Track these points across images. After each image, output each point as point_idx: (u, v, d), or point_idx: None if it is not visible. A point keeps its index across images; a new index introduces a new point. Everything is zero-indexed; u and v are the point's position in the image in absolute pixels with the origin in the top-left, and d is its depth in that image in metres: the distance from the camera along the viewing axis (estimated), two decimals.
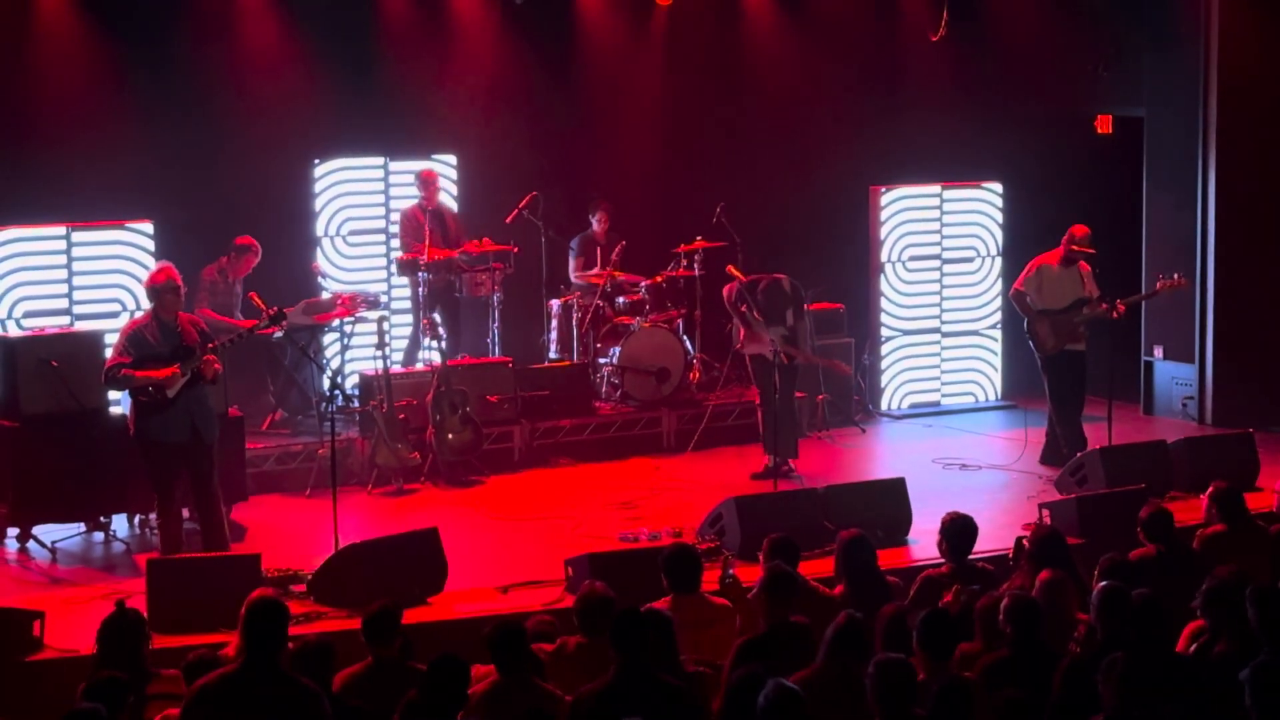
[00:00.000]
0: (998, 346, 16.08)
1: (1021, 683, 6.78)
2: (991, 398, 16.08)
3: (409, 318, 14.19)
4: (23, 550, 11.20)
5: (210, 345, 10.31)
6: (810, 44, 15.76)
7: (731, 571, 9.03)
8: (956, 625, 7.23)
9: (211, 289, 13.17)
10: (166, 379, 10.13)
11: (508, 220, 14.29)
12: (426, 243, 13.54)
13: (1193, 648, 7.44)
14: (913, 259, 15.81)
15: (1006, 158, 15.97)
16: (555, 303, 14.55)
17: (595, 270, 14.48)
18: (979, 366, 16.11)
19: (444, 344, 13.12)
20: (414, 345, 13.99)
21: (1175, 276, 13.23)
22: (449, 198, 14.58)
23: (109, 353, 10.71)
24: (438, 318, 13.49)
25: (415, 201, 14.05)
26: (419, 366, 13.70)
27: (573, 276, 14.75)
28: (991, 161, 16.00)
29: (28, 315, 12.70)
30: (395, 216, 14.28)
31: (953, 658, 7.09)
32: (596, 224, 14.72)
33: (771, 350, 12.54)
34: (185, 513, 10.70)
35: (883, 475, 12.13)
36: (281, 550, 10.56)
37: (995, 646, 7.34)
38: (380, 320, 12.89)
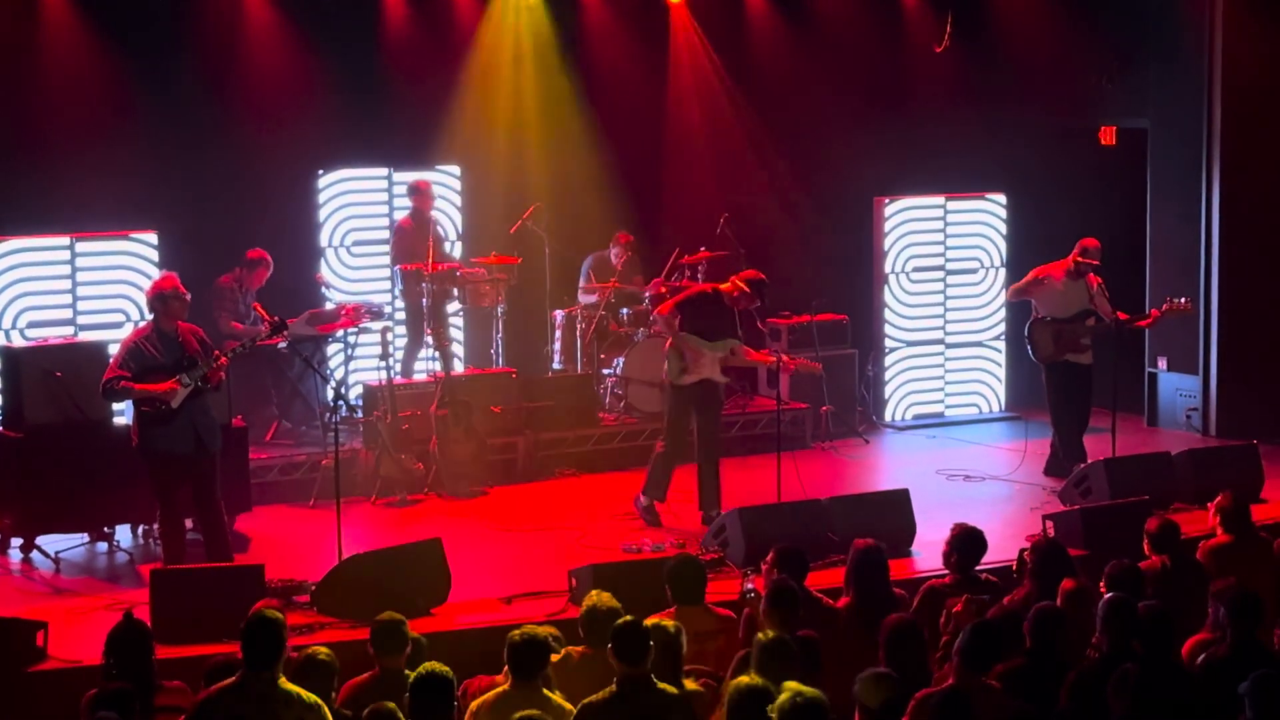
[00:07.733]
0: (1002, 358, 16.08)
1: (1035, 692, 6.76)
2: (995, 409, 16.08)
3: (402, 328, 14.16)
4: (26, 560, 11.20)
5: (216, 354, 10.29)
6: (814, 55, 15.75)
7: (751, 585, 8.98)
8: (1001, 641, 7.11)
9: (230, 298, 13.17)
10: (165, 393, 10.12)
11: (511, 231, 14.29)
12: (430, 256, 13.51)
13: (1199, 659, 7.43)
14: (916, 270, 15.81)
15: (1010, 169, 15.98)
16: (559, 314, 14.54)
17: (600, 290, 14.38)
18: (983, 378, 16.12)
19: (450, 354, 13.13)
20: (410, 355, 13.98)
21: (1182, 300, 13.14)
22: (439, 211, 14.43)
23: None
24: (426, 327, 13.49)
25: (405, 214, 14.04)
26: (419, 377, 13.70)
27: (580, 296, 14.66)
28: (995, 173, 16.00)
29: (32, 326, 12.73)
30: None
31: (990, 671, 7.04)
32: (615, 256, 14.53)
33: (717, 371, 11.76)
34: (189, 523, 10.70)
35: (886, 486, 12.11)
36: (285, 561, 10.55)
37: (1009, 655, 7.31)
38: (384, 331, 12.90)
